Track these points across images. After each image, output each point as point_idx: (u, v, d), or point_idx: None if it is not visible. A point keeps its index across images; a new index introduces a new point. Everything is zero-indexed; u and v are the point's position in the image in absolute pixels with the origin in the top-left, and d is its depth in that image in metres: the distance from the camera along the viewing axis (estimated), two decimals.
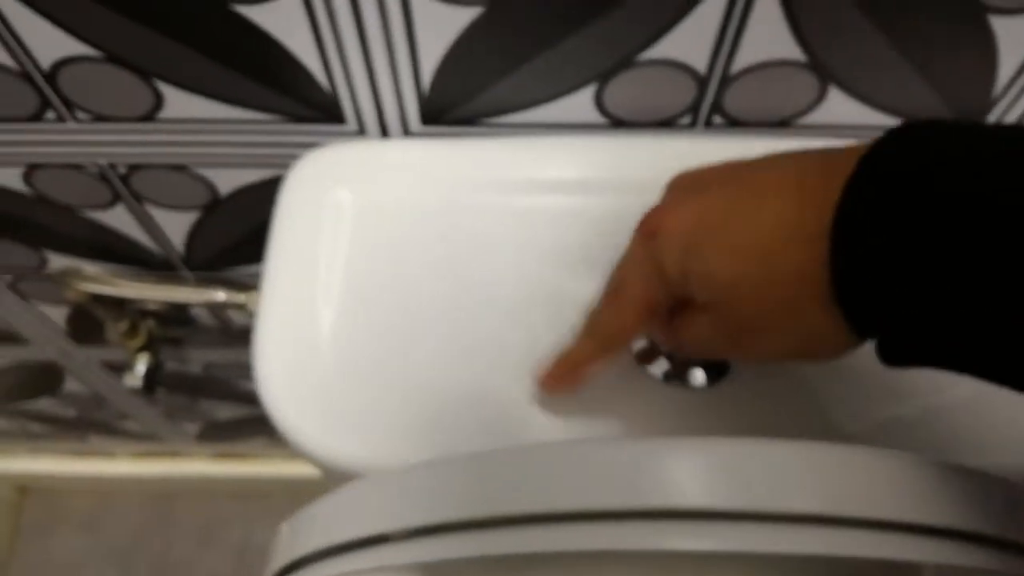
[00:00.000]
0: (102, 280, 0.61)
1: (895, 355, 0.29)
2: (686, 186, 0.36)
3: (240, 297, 0.55)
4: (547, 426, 0.43)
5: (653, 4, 0.42)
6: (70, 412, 1.07)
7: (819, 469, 0.29)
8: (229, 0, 0.43)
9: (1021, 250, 0.24)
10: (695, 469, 0.30)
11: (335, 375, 0.45)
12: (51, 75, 0.48)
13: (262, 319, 0.46)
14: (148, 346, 0.74)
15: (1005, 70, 0.47)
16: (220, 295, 0.57)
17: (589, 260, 0.45)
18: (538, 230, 0.47)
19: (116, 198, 0.60)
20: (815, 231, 0.29)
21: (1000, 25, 0.44)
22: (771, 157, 0.33)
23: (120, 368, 0.91)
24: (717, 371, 0.45)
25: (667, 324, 0.37)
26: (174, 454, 1.24)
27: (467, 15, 0.44)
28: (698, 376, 0.45)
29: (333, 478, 0.48)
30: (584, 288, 0.43)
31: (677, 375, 0.45)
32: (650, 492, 0.29)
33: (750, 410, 0.44)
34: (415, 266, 0.47)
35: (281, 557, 0.38)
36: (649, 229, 0.35)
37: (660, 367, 0.45)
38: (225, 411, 1.05)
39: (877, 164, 0.28)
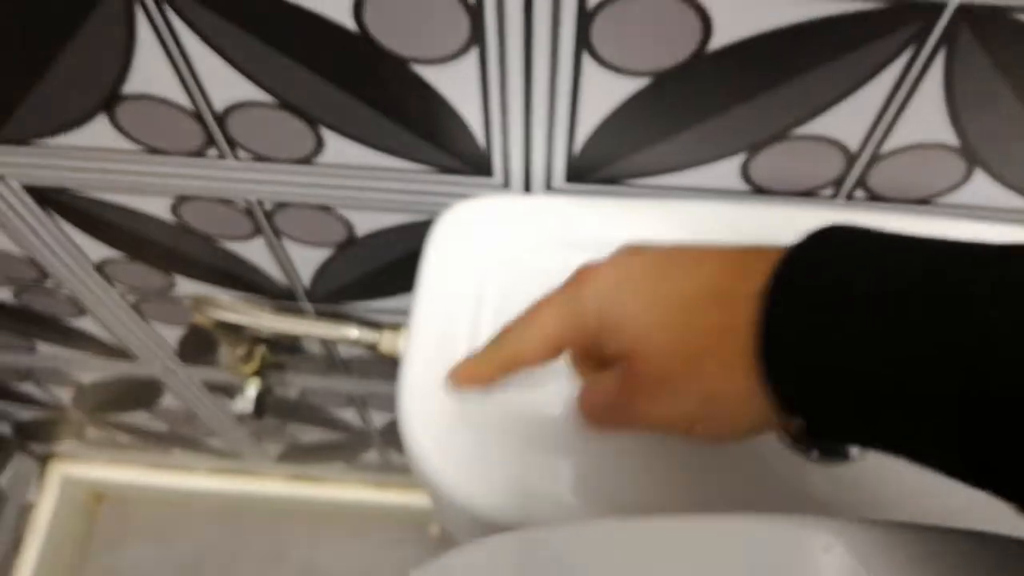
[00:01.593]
0: (238, 310, 0.63)
1: (818, 425, 0.29)
2: (628, 250, 0.37)
3: (373, 336, 0.57)
4: (669, 492, 0.44)
5: (820, 84, 0.44)
6: (160, 426, 1.10)
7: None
8: (410, 61, 0.45)
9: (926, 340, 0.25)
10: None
11: (475, 423, 0.46)
12: (222, 117, 0.51)
13: (408, 362, 0.48)
14: (259, 371, 0.76)
15: None
16: (353, 332, 0.59)
17: None
18: None
19: (256, 232, 0.62)
20: (741, 293, 0.30)
21: None
22: (708, 244, 0.35)
23: (219, 388, 0.94)
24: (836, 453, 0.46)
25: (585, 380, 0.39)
26: (248, 472, 1.26)
27: (633, 85, 0.45)
28: (814, 451, 0.46)
29: (459, 521, 0.48)
30: None
31: (800, 446, 0.46)
32: None
33: (866, 488, 0.45)
34: None
35: None
36: (580, 277, 0.36)
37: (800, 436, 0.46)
38: (311, 435, 1.07)
39: (816, 238, 0.29)
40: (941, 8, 0.38)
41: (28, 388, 1.02)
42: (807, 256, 0.29)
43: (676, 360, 0.32)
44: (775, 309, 0.28)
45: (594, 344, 0.36)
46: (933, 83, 0.43)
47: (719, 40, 0.41)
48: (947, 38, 0.40)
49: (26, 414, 1.11)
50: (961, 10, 0.38)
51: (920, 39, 0.40)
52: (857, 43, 0.41)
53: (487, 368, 0.42)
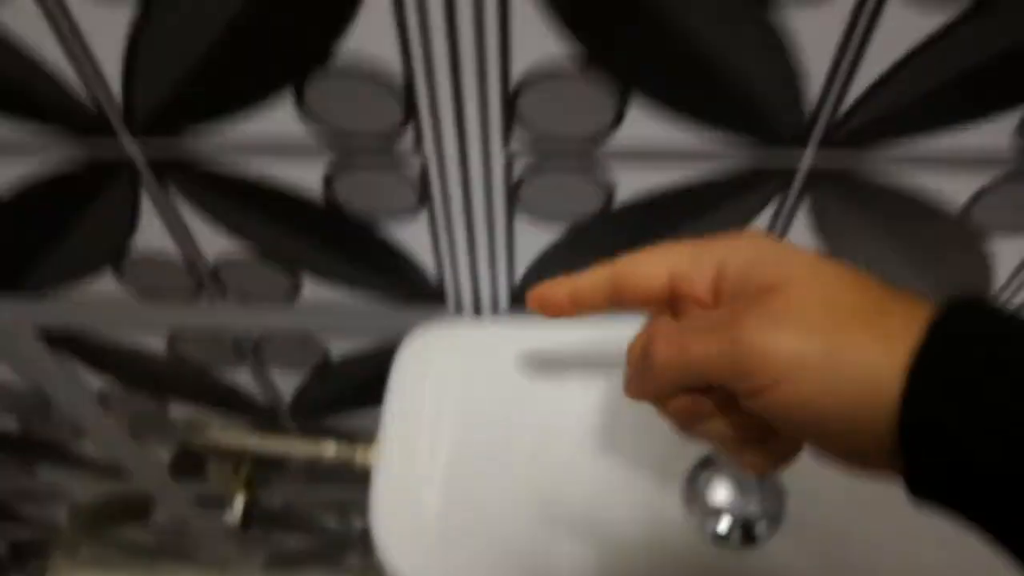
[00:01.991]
0: (227, 433, 0.70)
1: (927, 485, 0.28)
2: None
3: (348, 452, 0.64)
4: None
5: (710, 225, 0.53)
6: (150, 540, 1.15)
7: None
8: (371, 220, 0.54)
9: None
10: None
11: (440, 532, 0.53)
12: (213, 269, 0.59)
13: (378, 476, 0.55)
14: (246, 484, 0.83)
15: (1001, 273, 0.56)
16: (330, 450, 0.66)
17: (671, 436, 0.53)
18: (617, 407, 0.56)
19: (242, 361, 0.70)
20: (914, 302, 0.29)
21: (994, 243, 0.54)
22: None
23: (208, 501, 1.00)
24: (749, 535, 0.53)
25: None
26: None
27: (558, 231, 0.54)
28: (735, 536, 0.53)
29: None
30: (669, 465, 0.52)
31: (724, 537, 0.53)
32: None
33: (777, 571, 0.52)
34: (507, 432, 0.56)
35: None
36: (739, 232, 0.34)
37: (717, 525, 0.53)
38: (295, 542, 1.13)
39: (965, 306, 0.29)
40: (793, 172, 0.48)
41: (25, 509, 1.07)
42: (983, 306, 0.29)
43: (825, 308, 0.29)
44: (957, 324, 0.28)
45: (712, 287, 0.34)
46: (803, 222, 0.52)
47: (621, 198, 0.51)
48: (808, 188, 0.50)
49: (22, 534, 1.16)
50: (812, 173, 0.48)
51: (784, 192, 0.50)
52: (731, 196, 0.50)
53: (590, 282, 0.38)
